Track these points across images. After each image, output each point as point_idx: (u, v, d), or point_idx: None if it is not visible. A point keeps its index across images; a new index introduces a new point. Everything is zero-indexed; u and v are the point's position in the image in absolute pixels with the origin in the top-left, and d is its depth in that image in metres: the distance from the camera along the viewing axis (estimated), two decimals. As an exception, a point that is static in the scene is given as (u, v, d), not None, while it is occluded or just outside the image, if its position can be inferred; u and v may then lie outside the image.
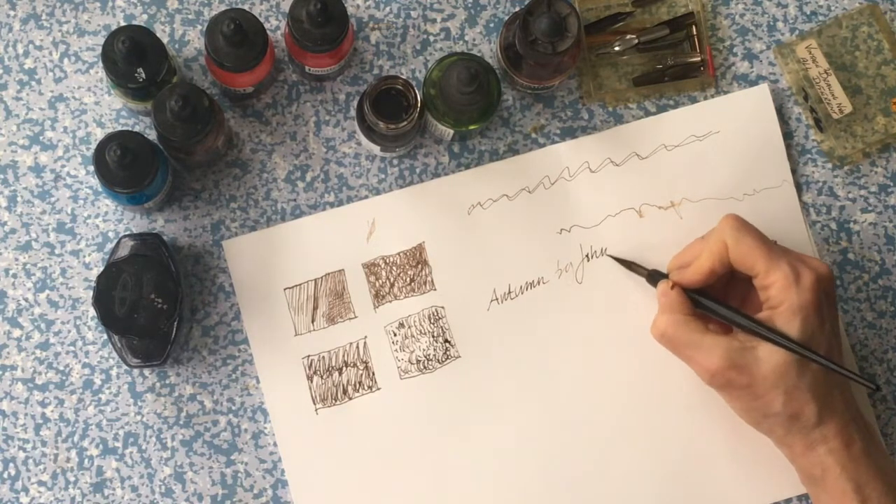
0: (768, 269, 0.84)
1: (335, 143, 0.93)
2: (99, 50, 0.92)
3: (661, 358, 0.92)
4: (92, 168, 0.91)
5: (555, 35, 0.85)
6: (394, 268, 0.92)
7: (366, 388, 0.91)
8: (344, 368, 0.91)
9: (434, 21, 0.94)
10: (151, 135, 0.89)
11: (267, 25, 0.92)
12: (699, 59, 0.94)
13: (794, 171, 0.95)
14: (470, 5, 0.95)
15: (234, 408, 0.91)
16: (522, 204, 0.93)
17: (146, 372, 0.91)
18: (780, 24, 0.96)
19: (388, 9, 0.94)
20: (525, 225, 0.93)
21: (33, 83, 0.92)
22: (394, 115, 0.87)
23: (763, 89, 0.95)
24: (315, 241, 0.92)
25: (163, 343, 0.87)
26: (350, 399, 0.91)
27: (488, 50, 0.94)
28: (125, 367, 0.91)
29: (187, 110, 0.83)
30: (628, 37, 0.93)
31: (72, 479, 0.90)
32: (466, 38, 0.94)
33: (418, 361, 0.92)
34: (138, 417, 0.91)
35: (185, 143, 0.85)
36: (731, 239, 0.84)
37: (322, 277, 0.92)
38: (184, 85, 0.85)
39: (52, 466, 0.90)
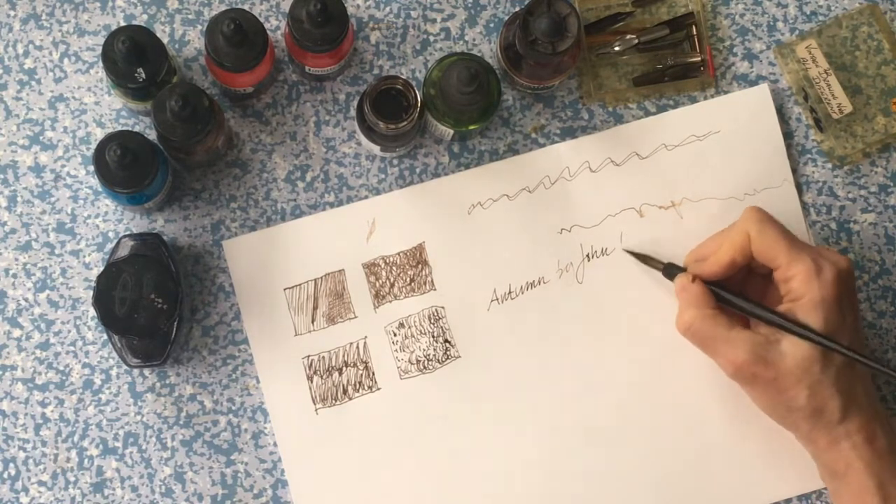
0: (790, 261, 0.84)
1: (335, 143, 0.93)
2: (99, 50, 0.92)
3: (661, 357, 0.92)
4: (92, 168, 0.91)
5: (555, 35, 0.85)
6: (394, 268, 0.92)
7: (366, 388, 0.91)
8: (344, 368, 0.91)
9: (434, 21, 0.94)
10: (151, 135, 0.89)
11: (267, 25, 0.92)
12: (699, 59, 0.94)
13: (794, 171, 0.95)
14: (470, 5, 0.95)
15: (234, 408, 0.91)
16: (523, 204, 0.93)
17: (146, 372, 0.91)
18: (780, 24, 0.96)
19: (388, 9, 0.94)
20: (525, 225, 0.93)
21: (33, 83, 0.92)
22: (394, 115, 0.87)
23: (763, 89, 0.95)
24: (315, 241, 0.92)
25: (163, 343, 0.87)
26: (350, 399, 0.91)
27: (488, 50, 0.94)
28: (125, 367, 0.91)
29: (187, 110, 0.83)
30: (628, 37, 0.93)
31: (72, 479, 0.90)
32: (466, 38, 0.94)
33: (418, 361, 0.92)
34: (138, 417, 0.91)
35: (185, 143, 0.85)
36: (755, 230, 0.85)
37: (322, 277, 0.92)
38: (184, 85, 0.85)
39: (52, 466, 0.90)
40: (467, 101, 0.87)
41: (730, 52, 0.95)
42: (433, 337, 0.92)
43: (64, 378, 0.91)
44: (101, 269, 0.89)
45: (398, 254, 0.92)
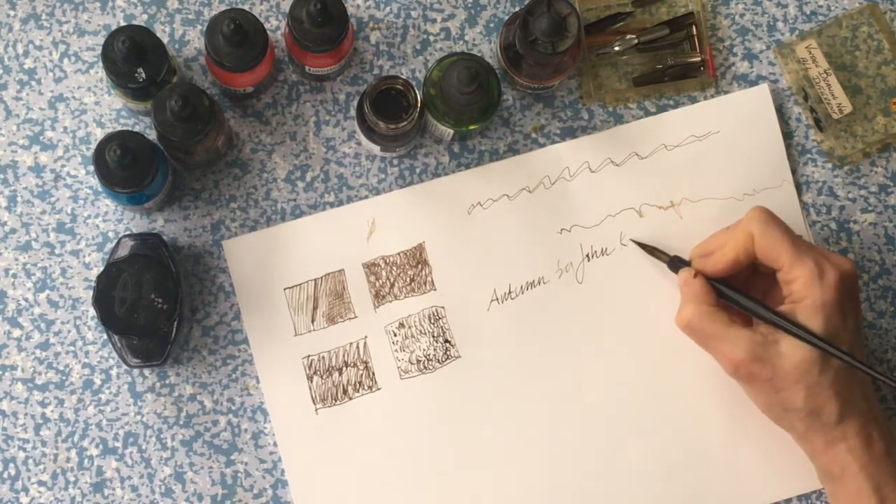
0: (793, 263, 0.84)
1: (335, 143, 0.93)
2: (99, 50, 0.92)
3: (661, 357, 0.92)
4: (92, 168, 0.91)
5: (555, 35, 0.85)
6: (394, 268, 0.92)
7: (366, 388, 0.91)
8: (344, 368, 0.91)
9: (434, 21, 0.94)
10: (151, 135, 0.89)
11: (267, 25, 0.92)
12: (699, 59, 0.94)
13: (794, 171, 0.95)
14: (470, 5, 0.95)
15: (234, 408, 0.91)
16: (523, 204, 0.93)
17: (146, 372, 0.91)
18: (780, 24, 0.96)
19: (388, 9, 0.94)
20: (525, 225, 0.93)
21: (33, 83, 0.92)
22: (394, 115, 0.87)
23: (763, 89, 0.94)
24: (315, 241, 0.92)
25: (163, 343, 0.87)
26: (350, 399, 0.91)
27: (488, 50, 0.94)
28: (125, 367, 0.91)
29: (187, 110, 0.83)
30: (628, 37, 0.93)
31: (72, 479, 0.90)
32: (466, 38, 0.94)
33: (418, 361, 0.92)
34: (138, 417, 0.91)
35: (185, 143, 0.85)
36: (758, 230, 0.84)
37: (322, 277, 0.92)
38: (184, 85, 0.85)
39: (52, 466, 0.90)
40: (467, 101, 0.87)
41: (730, 52, 0.95)
42: (433, 337, 0.92)
43: (64, 378, 0.91)
44: (101, 269, 0.89)
45: (398, 254, 0.92)
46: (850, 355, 0.83)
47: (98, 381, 0.91)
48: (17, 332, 0.91)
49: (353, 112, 0.93)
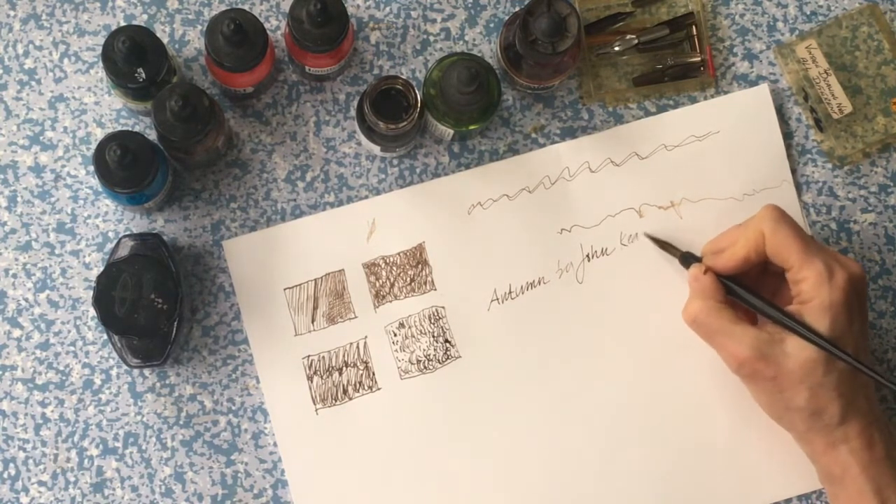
0: (802, 263, 0.84)
1: (335, 143, 0.93)
2: (99, 50, 0.92)
3: (661, 357, 0.92)
4: (92, 168, 0.91)
5: (555, 35, 0.85)
6: (394, 268, 0.92)
7: (366, 388, 0.91)
8: (344, 368, 0.91)
9: (434, 21, 0.94)
10: (151, 135, 0.89)
11: (267, 25, 0.92)
12: (699, 59, 0.94)
13: (794, 171, 0.95)
14: (470, 5, 0.95)
15: (234, 408, 0.91)
16: (523, 204, 0.93)
17: (146, 372, 0.91)
18: (780, 24, 0.96)
19: (388, 9, 0.94)
20: (525, 225, 0.93)
21: (33, 83, 0.92)
22: (394, 115, 0.87)
23: (763, 89, 0.94)
24: (315, 241, 0.92)
25: (163, 343, 0.87)
26: (350, 399, 0.91)
27: (488, 50, 0.94)
28: (125, 367, 0.91)
29: (187, 110, 0.83)
30: (628, 37, 0.93)
31: (72, 479, 0.90)
32: (466, 38, 0.94)
33: (418, 361, 0.92)
34: (138, 417, 0.91)
35: (185, 143, 0.85)
36: (769, 229, 0.84)
37: (322, 277, 0.92)
38: (184, 85, 0.85)
39: (52, 466, 0.90)
40: (467, 101, 0.87)
41: (730, 52, 0.95)
42: (433, 337, 0.92)
43: (64, 378, 0.91)
44: (101, 269, 0.89)
45: (398, 254, 0.92)
46: (855, 358, 0.83)
47: (98, 381, 0.91)
48: (17, 332, 0.91)
49: (353, 112, 0.93)
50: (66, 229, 0.92)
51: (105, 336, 0.91)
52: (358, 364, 0.91)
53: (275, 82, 0.93)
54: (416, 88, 0.87)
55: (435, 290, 0.92)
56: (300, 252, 0.92)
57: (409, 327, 0.92)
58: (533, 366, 0.92)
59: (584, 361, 0.92)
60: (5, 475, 0.90)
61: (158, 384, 0.91)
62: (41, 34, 0.93)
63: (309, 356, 0.91)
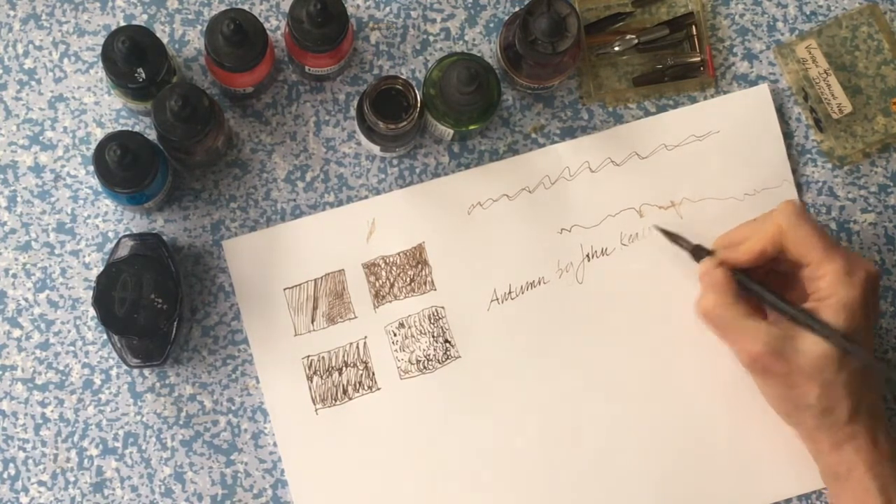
0: (822, 259, 0.83)
1: (335, 143, 0.93)
2: (99, 50, 0.92)
3: (662, 357, 0.92)
4: (92, 168, 0.91)
5: (555, 35, 0.85)
6: (394, 268, 0.92)
7: (366, 388, 0.91)
8: (344, 368, 0.91)
9: (434, 21, 0.94)
10: (151, 135, 0.89)
11: (267, 25, 0.92)
12: (699, 59, 0.94)
13: (793, 171, 0.95)
14: (470, 5, 0.95)
15: (234, 408, 0.91)
16: (523, 204, 0.93)
17: (146, 372, 0.91)
18: (779, 24, 0.96)
19: (388, 9, 0.94)
20: (525, 225, 0.93)
21: (33, 83, 0.92)
22: (394, 115, 0.87)
23: (763, 89, 0.94)
24: (315, 241, 0.92)
25: (163, 343, 0.87)
26: (350, 399, 0.91)
27: (488, 50, 0.94)
28: (125, 367, 0.91)
29: (187, 110, 0.83)
30: (628, 37, 0.93)
31: (72, 479, 0.90)
32: (466, 38, 0.94)
33: (418, 361, 0.92)
34: (138, 417, 0.91)
35: (185, 143, 0.85)
36: (790, 223, 0.84)
37: (322, 277, 0.92)
38: (184, 85, 0.85)
39: (52, 466, 0.90)
40: (467, 101, 0.87)
41: (730, 52, 0.95)
42: (433, 337, 0.92)
43: (64, 378, 0.91)
44: (101, 269, 0.89)
45: (398, 254, 0.92)
46: (872, 356, 0.83)
47: (98, 381, 0.91)
48: (17, 332, 0.91)
49: (353, 112, 0.93)
50: (66, 229, 0.92)
51: (105, 336, 0.91)
52: (358, 364, 0.91)
53: (275, 82, 0.93)
54: (416, 88, 0.87)
55: (435, 290, 0.92)
56: (300, 252, 0.92)
57: (409, 327, 0.92)
58: (533, 366, 0.92)
59: (584, 361, 0.92)
60: (5, 475, 0.90)
61: (158, 384, 0.91)
62: (41, 34, 0.93)
63: (309, 356, 0.91)
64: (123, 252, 0.87)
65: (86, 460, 0.91)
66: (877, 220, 0.95)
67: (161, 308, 0.83)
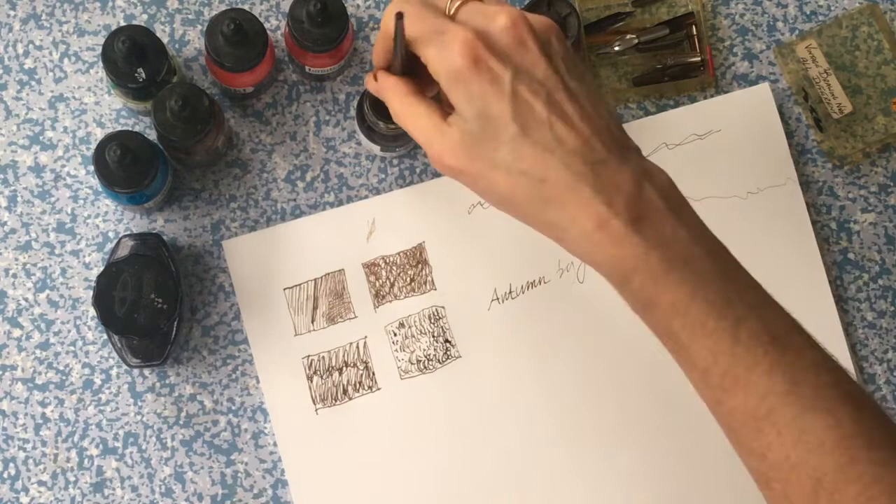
0: (422, 41, 0.72)
1: (335, 143, 0.93)
2: (99, 50, 0.92)
3: (662, 357, 0.92)
4: (92, 168, 0.91)
5: (555, 35, 0.85)
6: (394, 268, 0.92)
7: (366, 388, 0.91)
8: (344, 368, 0.91)
9: (434, 21, 0.94)
10: (151, 135, 0.89)
11: (267, 25, 0.92)
12: (699, 59, 0.94)
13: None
14: (470, 5, 0.95)
15: (234, 408, 0.91)
16: (523, 204, 0.93)
17: (146, 372, 0.91)
18: (780, 24, 0.96)
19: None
20: (525, 224, 0.93)
21: (33, 83, 0.92)
22: (394, 114, 0.87)
23: (764, 88, 0.95)
24: (315, 241, 0.92)
25: (163, 343, 0.87)
26: (350, 399, 0.91)
27: (488, 50, 0.94)
28: (125, 367, 0.91)
29: (187, 110, 0.83)
30: (628, 37, 0.94)
31: (72, 479, 0.90)
32: (466, 38, 0.94)
33: (418, 361, 0.92)
34: (138, 417, 0.91)
35: (185, 143, 0.85)
36: (398, 7, 0.72)
37: (322, 277, 0.92)
38: (184, 85, 0.85)
39: (52, 466, 0.90)
40: (467, 100, 0.87)
41: (730, 52, 0.95)
42: (433, 337, 0.92)
43: (64, 378, 0.91)
44: (101, 269, 0.89)
45: (398, 254, 0.92)
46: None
47: (98, 381, 0.91)
48: (17, 332, 0.91)
49: (353, 112, 0.93)
50: (66, 229, 0.92)
51: (105, 336, 0.91)
52: (358, 364, 0.91)
53: (275, 82, 0.93)
54: (416, 88, 0.87)
55: (435, 289, 0.92)
56: (300, 252, 0.92)
57: (409, 327, 0.92)
58: (533, 365, 0.92)
59: (584, 361, 0.92)
60: (5, 475, 0.90)
61: (158, 384, 0.91)
62: (41, 34, 0.93)
63: (309, 356, 0.91)
64: (123, 252, 0.87)
65: (86, 460, 0.91)
66: (877, 220, 0.95)
67: (161, 308, 0.83)
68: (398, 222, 0.92)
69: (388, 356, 0.92)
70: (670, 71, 0.94)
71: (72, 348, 0.91)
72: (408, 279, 0.92)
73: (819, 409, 0.69)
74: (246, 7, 0.94)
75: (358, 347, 0.91)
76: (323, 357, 0.91)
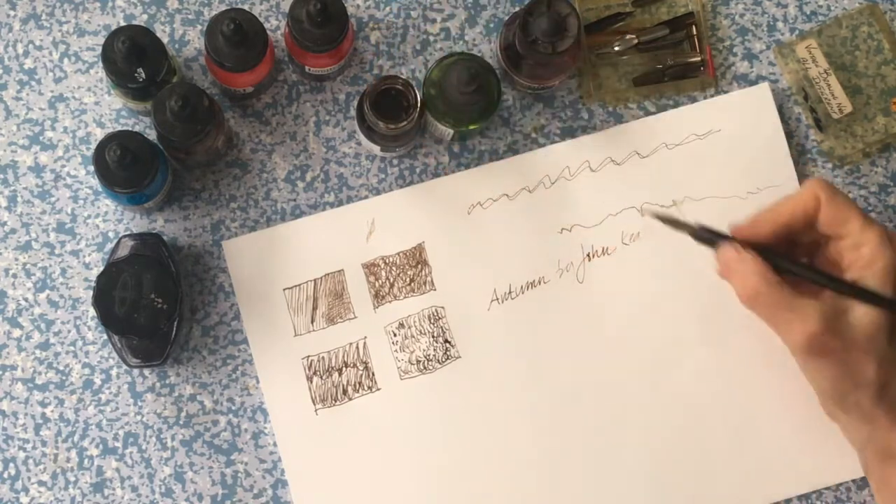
0: (863, 226, 0.80)
1: (335, 143, 0.93)
2: (99, 50, 0.92)
3: (662, 357, 0.92)
4: (92, 168, 0.91)
5: (555, 35, 0.85)
6: (394, 268, 0.92)
7: (366, 388, 0.91)
8: (344, 369, 0.91)
9: (434, 21, 0.94)
10: (151, 135, 0.89)
11: (267, 25, 0.92)
12: (699, 59, 0.94)
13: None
14: (470, 5, 0.95)
15: (234, 408, 0.91)
16: (523, 204, 0.93)
17: (146, 372, 0.91)
18: (780, 24, 0.96)
19: (388, 9, 0.94)
20: (525, 224, 0.93)
21: (33, 83, 0.92)
22: (394, 115, 0.87)
23: (764, 88, 0.94)
24: (315, 241, 0.92)
25: (163, 343, 0.87)
26: (350, 399, 0.91)
27: (488, 50, 0.94)
28: (125, 367, 0.91)
29: (187, 110, 0.83)
30: (628, 37, 0.94)
31: (72, 479, 0.90)
32: (466, 38, 0.94)
33: (418, 362, 0.92)
34: (138, 417, 0.91)
35: (185, 143, 0.85)
36: (826, 194, 0.81)
37: (322, 277, 0.92)
38: (184, 85, 0.85)
39: (52, 466, 0.90)
40: (467, 101, 0.87)
41: (730, 52, 0.95)
42: (433, 337, 0.92)
43: (64, 378, 0.91)
44: (101, 269, 0.89)
45: (398, 254, 0.92)
46: None
47: (98, 381, 0.91)
48: (17, 332, 0.91)
49: (353, 112, 0.94)
50: (66, 229, 0.92)
51: (105, 336, 0.91)
52: (358, 364, 0.91)
53: (275, 82, 0.93)
54: (415, 88, 0.87)
55: (435, 290, 0.92)
56: (300, 252, 0.92)
57: (409, 327, 0.92)
58: (533, 366, 0.92)
59: (584, 361, 0.92)
60: (5, 475, 0.90)
61: (158, 384, 0.91)
62: (41, 34, 0.93)
63: (308, 356, 0.91)
64: (123, 252, 0.87)
65: (86, 460, 0.91)
66: (877, 219, 0.95)
67: (161, 308, 0.83)
68: (398, 222, 0.92)
69: (387, 356, 0.92)
70: (670, 71, 0.94)
71: (72, 348, 0.91)
72: (407, 279, 0.92)
73: None
74: (246, 7, 0.94)
75: (358, 348, 0.91)
76: (323, 357, 0.91)
